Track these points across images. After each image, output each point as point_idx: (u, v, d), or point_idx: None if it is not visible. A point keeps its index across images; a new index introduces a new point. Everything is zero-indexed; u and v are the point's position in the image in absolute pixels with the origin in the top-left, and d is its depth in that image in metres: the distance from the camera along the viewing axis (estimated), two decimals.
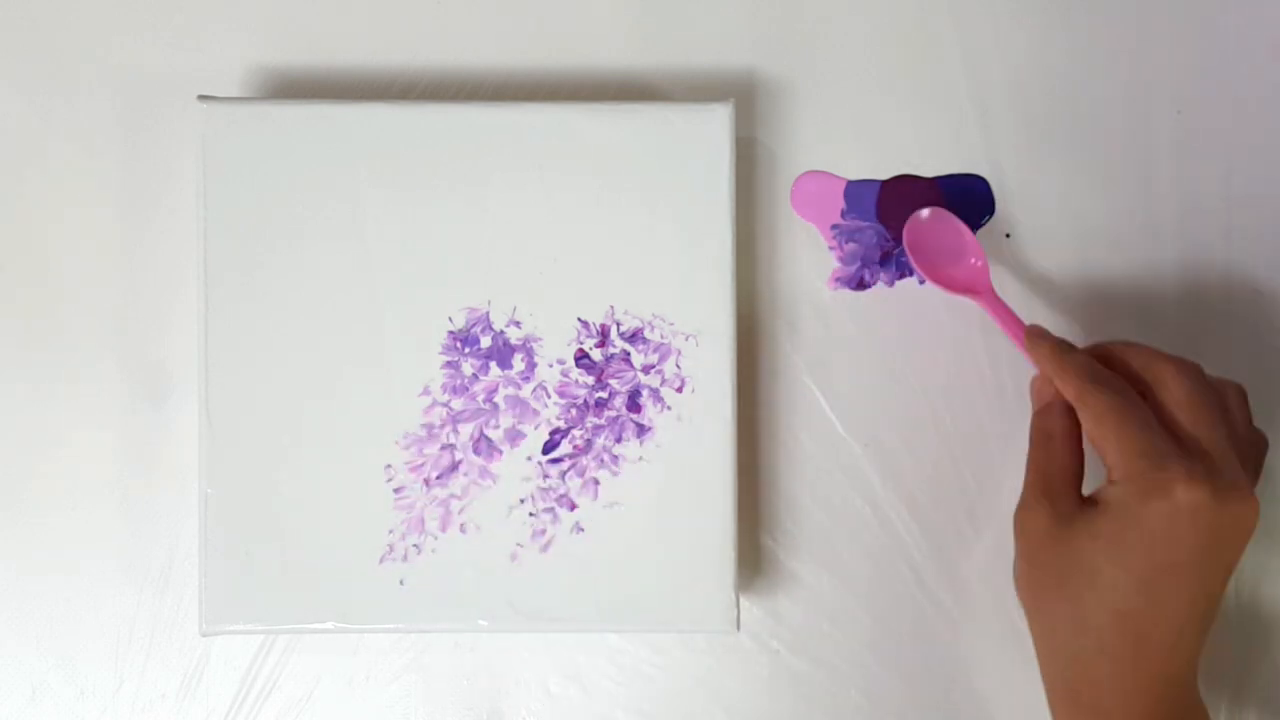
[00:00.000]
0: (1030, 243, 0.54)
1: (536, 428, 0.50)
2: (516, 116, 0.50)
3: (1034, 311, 0.53)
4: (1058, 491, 0.46)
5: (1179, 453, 0.43)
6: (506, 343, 0.50)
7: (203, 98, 0.50)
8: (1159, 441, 0.43)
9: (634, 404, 0.50)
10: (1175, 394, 0.45)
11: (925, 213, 0.52)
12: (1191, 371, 0.46)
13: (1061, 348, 0.47)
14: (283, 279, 0.50)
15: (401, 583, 0.49)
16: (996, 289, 0.51)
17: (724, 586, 0.49)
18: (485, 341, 0.50)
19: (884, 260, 0.54)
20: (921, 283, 0.53)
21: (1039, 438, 0.48)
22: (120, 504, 0.52)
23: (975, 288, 0.51)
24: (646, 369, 0.50)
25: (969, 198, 0.54)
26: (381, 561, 0.49)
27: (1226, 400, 0.47)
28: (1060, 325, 0.53)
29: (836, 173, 0.54)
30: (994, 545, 0.53)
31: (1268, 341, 0.54)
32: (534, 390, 0.50)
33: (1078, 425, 0.47)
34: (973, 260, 0.51)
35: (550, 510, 0.50)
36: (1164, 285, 0.54)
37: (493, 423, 0.50)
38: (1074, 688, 0.45)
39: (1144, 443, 0.43)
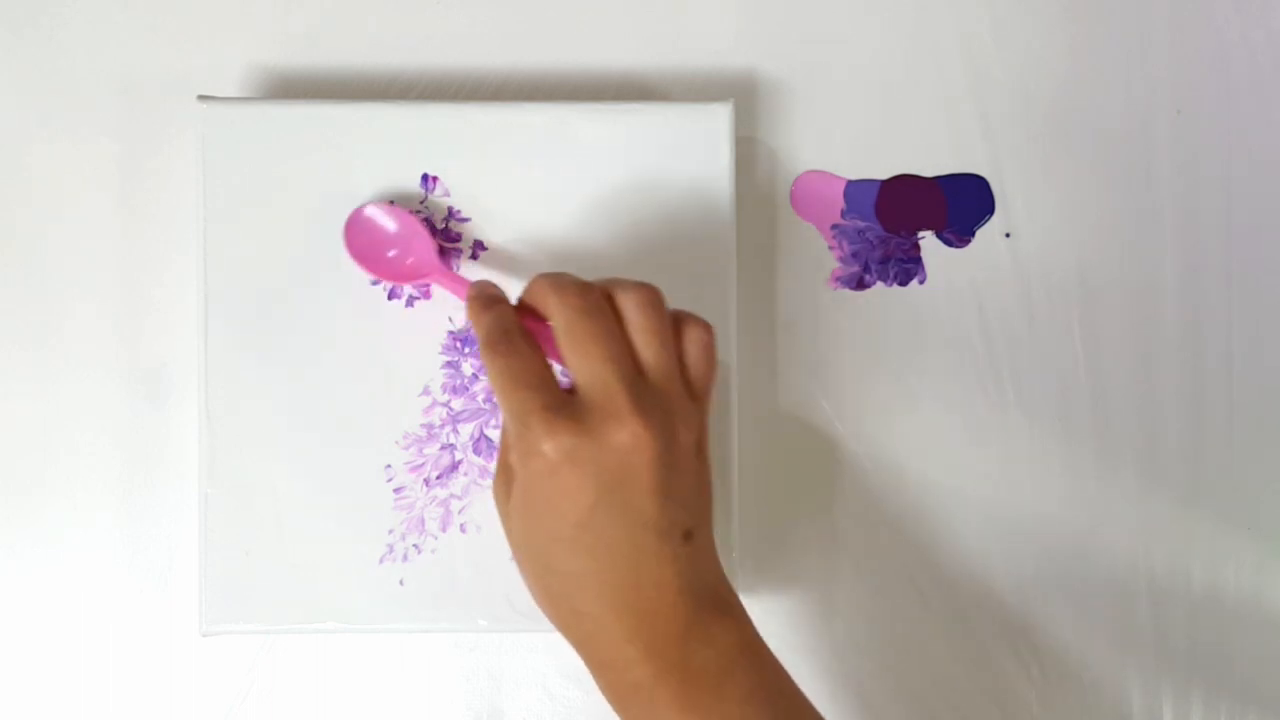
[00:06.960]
0: (1030, 243, 0.54)
1: None
2: (516, 116, 0.50)
3: (1033, 311, 0.53)
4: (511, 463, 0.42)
5: (542, 404, 0.39)
6: None
7: (203, 98, 0.50)
8: (530, 398, 0.39)
9: None
10: (558, 328, 0.40)
11: (366, 210, 0.49)
12: (570, 299, 0.40)
13: (480, 306, 0.42)
14: (282, 279, 0.50)
15: (401, 583, 0.49)
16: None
17: None
18: None
19: (884, 260, 0.54)
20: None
21: None
22: (120, 504, 0.52)
23: (424, 271, 0.48)
24: None
25: (969, 198, 0.54)
26: (381, 561, 0.49)
27: (624, 314, 0.41)
28: (1058, 324, 0.53)
29: (836, 173, 0.54)
30: (995, 549, 0.53)
31: (1268, 341, 0.54)
32: None
33: None
34: (415, 245, 0.48)
35: None
36: (1164, 285, 0.54)
37: (493, 423, 0.50)
38: (582, 650, 0.42)
39: (516, 403, 0.39)
